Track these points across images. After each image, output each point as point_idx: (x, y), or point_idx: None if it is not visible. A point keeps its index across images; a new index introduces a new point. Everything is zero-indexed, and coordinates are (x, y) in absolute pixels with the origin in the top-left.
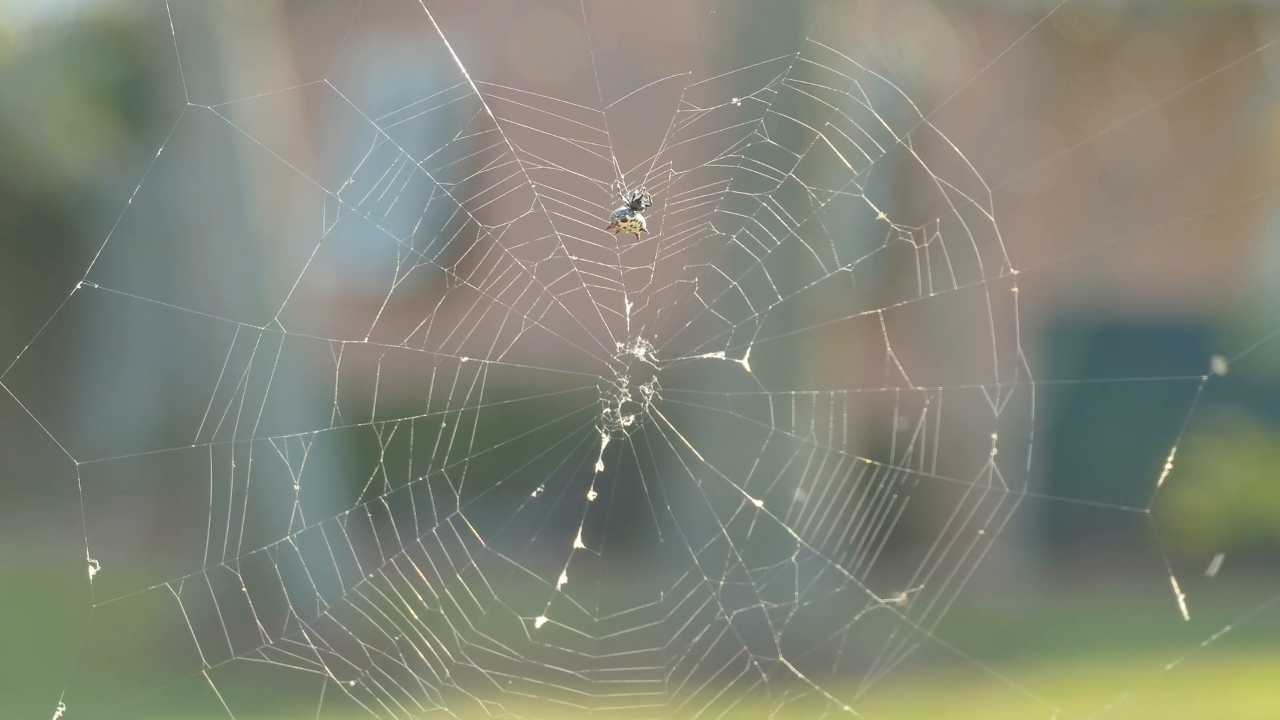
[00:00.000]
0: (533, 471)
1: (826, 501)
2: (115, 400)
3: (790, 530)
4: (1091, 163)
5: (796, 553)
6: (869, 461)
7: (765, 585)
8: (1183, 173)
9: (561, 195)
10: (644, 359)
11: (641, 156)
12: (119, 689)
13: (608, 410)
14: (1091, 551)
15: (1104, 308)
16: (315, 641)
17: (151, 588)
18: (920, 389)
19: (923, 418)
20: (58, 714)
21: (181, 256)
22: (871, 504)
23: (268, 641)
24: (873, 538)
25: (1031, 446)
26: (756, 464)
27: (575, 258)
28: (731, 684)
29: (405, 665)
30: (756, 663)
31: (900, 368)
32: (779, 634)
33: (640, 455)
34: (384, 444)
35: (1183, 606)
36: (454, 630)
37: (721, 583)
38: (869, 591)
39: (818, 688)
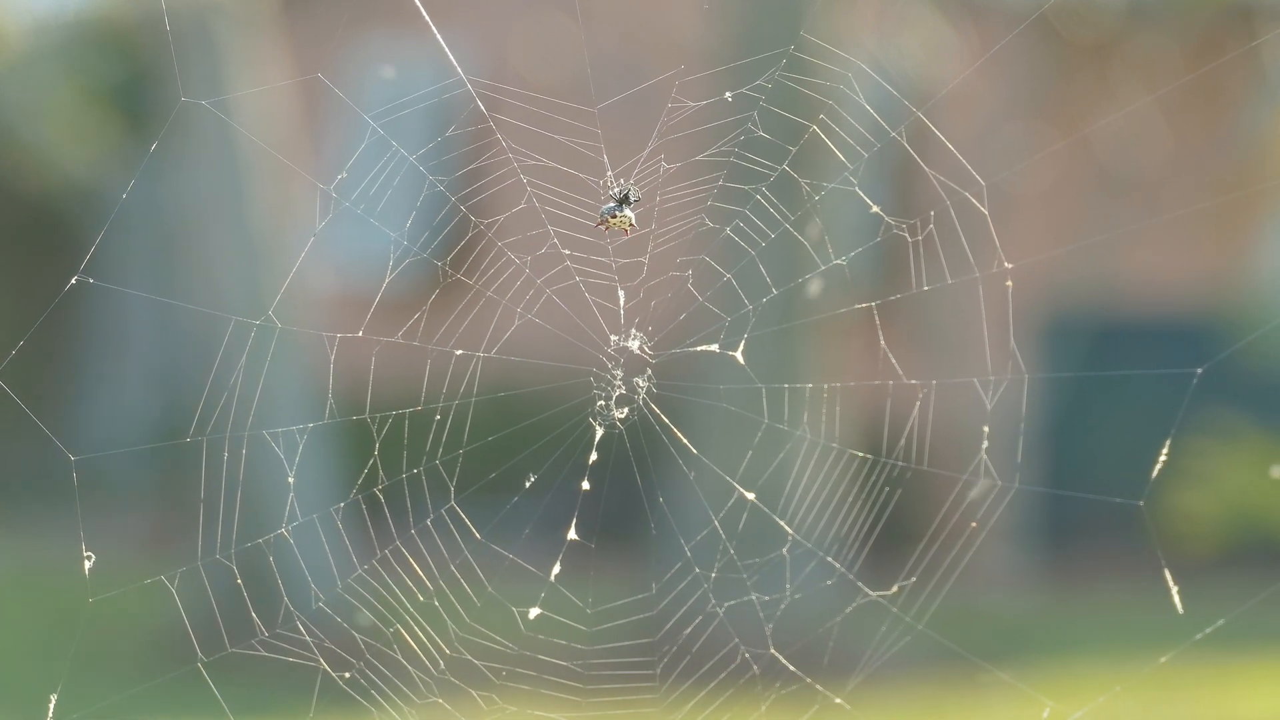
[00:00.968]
0: (527, 464)
1: (819, 494)
2: (113, 399)
3: (782, 523)
4: (1091, 162)
5: (788, 545)
6: (861, 455)
7: (757, 578)
8: (1182, 172)
9: (554, 191)
10: (638, 352)
11: (635, 153)
12: (115, 684)
13: (602, 403)
14: (1091, 551)
15: (1104, 307)
16: (310, 634)
17: (147, 581)
18: (914, 382)
19: (915, 411)
20: (50, 707)
21: (181, 256)
22: (864, 497)
23: (263, 634)
24: (865, 531)
25: (1022, 440)
26: (749, 457)
27: (568, 251)
28: (723, 675)
29: (400, 657)
30: (748, 655)
31: (894, 361)
32: (770, 626)
33: (634, 448)
34: (379, 437)
35: (1176, 599)
36: (448, 622)
37: (713, 575)
38: (860, 584)
39: (809, 680)
